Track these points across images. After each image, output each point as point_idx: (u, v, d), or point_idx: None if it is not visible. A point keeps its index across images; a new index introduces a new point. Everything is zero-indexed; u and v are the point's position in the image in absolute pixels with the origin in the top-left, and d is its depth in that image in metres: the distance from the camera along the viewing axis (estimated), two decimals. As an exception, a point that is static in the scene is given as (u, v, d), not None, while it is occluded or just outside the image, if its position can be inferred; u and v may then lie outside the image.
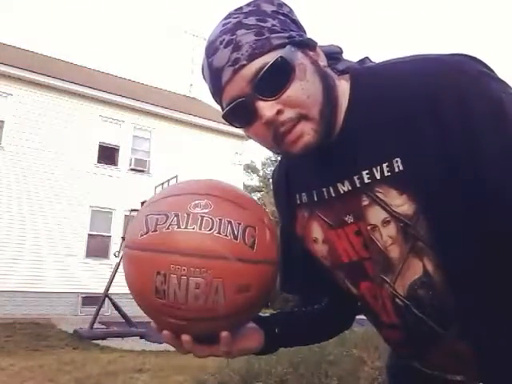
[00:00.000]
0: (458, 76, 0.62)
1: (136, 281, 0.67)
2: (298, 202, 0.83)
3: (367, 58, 0.80)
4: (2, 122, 11.46)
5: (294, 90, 0.64)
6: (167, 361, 5.96)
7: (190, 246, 0.62)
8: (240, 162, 15.49)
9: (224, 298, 0.63)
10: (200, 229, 0.63)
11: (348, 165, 0.70)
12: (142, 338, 8.26)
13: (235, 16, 0.66)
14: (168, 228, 0.64)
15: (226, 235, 0.63)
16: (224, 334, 0.67)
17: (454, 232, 0.64)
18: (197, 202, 0.66)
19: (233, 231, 0.64)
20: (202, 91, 18.95)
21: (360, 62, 0.79)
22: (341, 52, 0.79)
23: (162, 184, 10.59)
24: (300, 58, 0.65)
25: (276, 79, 0.63)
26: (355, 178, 0.70)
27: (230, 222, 0.64)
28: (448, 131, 0.61)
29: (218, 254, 0.62)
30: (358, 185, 0.70)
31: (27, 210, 11.32)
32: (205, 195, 0.67)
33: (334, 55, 0.77)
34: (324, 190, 0.76)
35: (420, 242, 0.66)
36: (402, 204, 0.65)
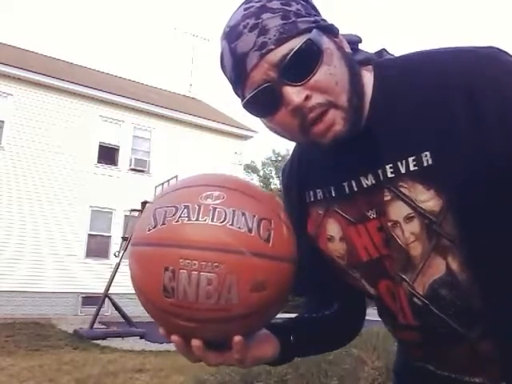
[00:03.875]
0: (495, 67, 0.61)
1: (142, 279, 0.62)
2: (312, 199, 0.80)
3: (384, 49, 0.78)
4: (2, 122, 11.46)
5: (323, 75, 0.61)
6: (167, 361, 5.96)
7: (201, 238, 0.58)
8: (240, 162, 15.49)
9: (238, 296, 0.58)
10: (212, 221, 0.59)
11: (372, 158, 0.68)
12: (141, 338, 8.26)
13: (257, 0, 0.63)
14: (178, 221, 0.59)
15: (239, 227, 0.59)
16: (237, 338, 0.61)
17: (485, 229, 0.62)
18: (208, 193, 0.61)
19: (247, 223, 0.59)
20: (202, 91, 18.98)
21: (378, 54, 0.77)
22: (360, 42, 0.76)
23: (162, 184, 10.57)
24: (327, 43, 0.63)
25: (304, 63, 0.61)
26: (379, 171, 0.67)
27: (243, 214, 0.60)
28: (485, 122, 0.59)
29: (231, 248, 0.58)
30: (382, 179, 0.67)
31: (27, 210, 11.32)
32: (217, 187, 0.63)
33: (352, 45, 0.73)
34: (345, 184, 0.72)
35: (445, 240, 0.63)
36: (428, 200, 0.63)
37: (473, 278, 0.65)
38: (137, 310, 10.13)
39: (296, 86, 0.61)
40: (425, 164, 0.63)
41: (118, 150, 13.24)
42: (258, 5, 0.63)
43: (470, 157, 0.60)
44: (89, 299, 11.34)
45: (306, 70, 0.61)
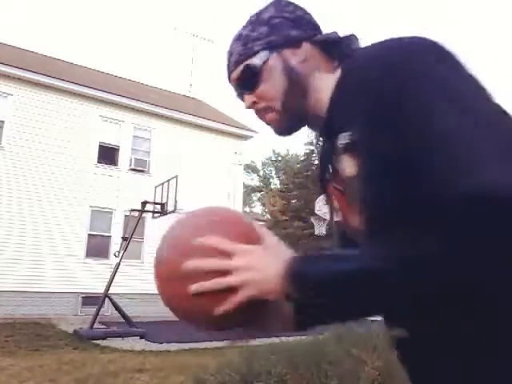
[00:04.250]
0: (406, 54, 0.68)
1: None
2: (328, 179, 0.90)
3: None
4: (2, 122, 11.47)
5: (265, 88, 0.83)
6: (167, 361, 5.97)
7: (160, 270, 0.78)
8: (240, 162, 15.49)
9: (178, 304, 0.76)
10: (166, 253, 0.77)
11: (334, 137, 0.79)
12: (141, 338, 8.27)
13: (240, 29, 0.85)
14: (156, 257, 0.81)
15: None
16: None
17: (381, 192, 0.70)
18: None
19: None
20: (202, 91, 18.94)
21: None
22: (338, 38, 0.84)
23: (162, 184, 10.58)
24: (271, 60, 0.81)
25: (248, 80, 0.84)
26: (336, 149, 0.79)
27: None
28: (398, 105, 0.65)
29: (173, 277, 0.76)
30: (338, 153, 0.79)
31: (27, 210, 11.33)
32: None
33: (334, 42, 0.84)
34: (329, 163, 0.84)
35: (357, 200, 0.75)
36: (349, 166, 0.75)
37: (367, 234, 0.75)
38: (137, 310, 10.15)
39: (249, 94, 0.85)
40: (352, 137, 0.73)
41: (118, 150, 13.25)
42: (237, 35, 0.85)
43: (381, 136, 0.68)
44: (89, 299, 11.34)
45: (251, 84, 0.84)
